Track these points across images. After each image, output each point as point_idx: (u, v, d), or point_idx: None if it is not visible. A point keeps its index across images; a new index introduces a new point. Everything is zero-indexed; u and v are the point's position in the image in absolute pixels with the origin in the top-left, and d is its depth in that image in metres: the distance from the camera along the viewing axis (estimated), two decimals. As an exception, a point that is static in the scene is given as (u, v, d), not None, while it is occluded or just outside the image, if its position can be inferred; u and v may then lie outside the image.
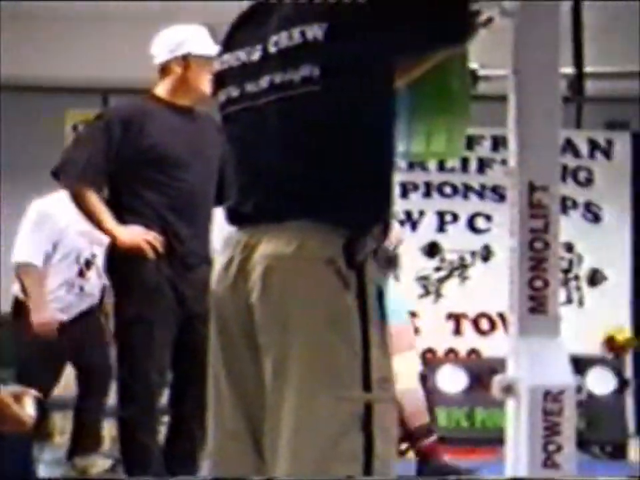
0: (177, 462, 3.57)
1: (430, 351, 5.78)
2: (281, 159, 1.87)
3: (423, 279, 5.77)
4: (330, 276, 1.79)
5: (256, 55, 1.91)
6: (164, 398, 3.72)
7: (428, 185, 5.99)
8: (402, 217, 5.94)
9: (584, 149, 6.12)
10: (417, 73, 1.97)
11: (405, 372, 4.01)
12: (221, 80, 2.00)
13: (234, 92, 1.95)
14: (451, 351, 5.75)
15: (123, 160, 3.55)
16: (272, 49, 1.88)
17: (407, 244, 5.73)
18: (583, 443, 5.05)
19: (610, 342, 5.79)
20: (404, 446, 5.03)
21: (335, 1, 1.85)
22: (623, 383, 5.50)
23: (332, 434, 1.77)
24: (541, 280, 1.87)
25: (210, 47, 3.36)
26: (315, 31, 1.82)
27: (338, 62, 1.82)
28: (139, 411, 3.51)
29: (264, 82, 1.88)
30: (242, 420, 1.89)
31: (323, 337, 1.79)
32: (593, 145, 6.13)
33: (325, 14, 1.83)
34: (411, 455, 4.77)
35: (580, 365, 5.22)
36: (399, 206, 5.83)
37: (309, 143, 1.85)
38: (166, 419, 3.75)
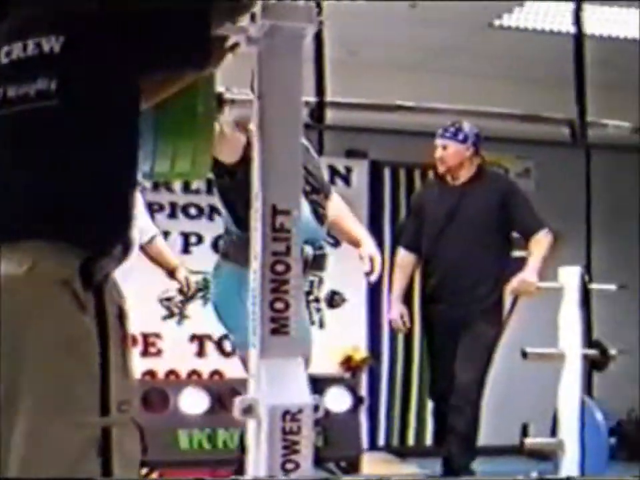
0: None
1: (173, 372, 5.74)
2: (15, 176, 1.78)
3: (167, 300, 5.71)
4: (64, 297, 1.72)
5: None
6: None
7: (173, 206, 5.95)
8: (147, 237, 5.87)
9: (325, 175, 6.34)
10: (164, 95, 1.95)
11: None
12: None
13: None
14: (194, 372, 5.73)
15: None
16: (4, 60, 1.79)
17: (151, 265, 5.68)
18: (320, 460, 5.20)
19: (347, 361, 6.01)
20: (144, 470, 4.96)
21: (74, 13, 1.78)
22: (358, 401, 5.72)
23: (68, 461, 1.70)
24: (282, 302, 1.90)
25: None
26: (51, 43, 1.75)
27: (75, 76, 1.76)
28: None
29: None
30: None
31: (57, 362, 1.72)
32: (334, 172, 6.36)
33: (63, 26, 1.77)
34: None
35: (319, 384, 5.35)
36: (143, 226, 5.75)
37: (43, 160, 1.77)
38: None
